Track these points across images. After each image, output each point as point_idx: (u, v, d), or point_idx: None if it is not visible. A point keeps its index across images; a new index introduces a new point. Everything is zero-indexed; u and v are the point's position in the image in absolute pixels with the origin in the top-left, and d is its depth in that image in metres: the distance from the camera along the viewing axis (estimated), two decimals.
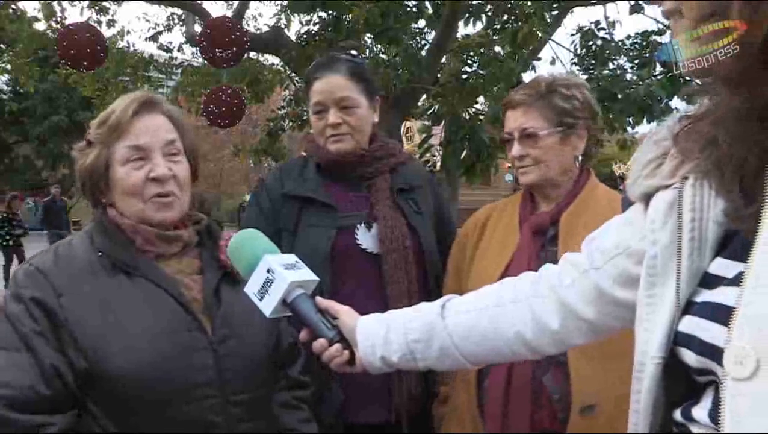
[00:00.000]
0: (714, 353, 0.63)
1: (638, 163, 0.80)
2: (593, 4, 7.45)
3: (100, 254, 1.18)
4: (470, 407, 1.48)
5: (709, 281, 0.68)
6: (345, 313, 1.12)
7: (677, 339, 0.69)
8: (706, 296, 0.67)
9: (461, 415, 1.52)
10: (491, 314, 1.03)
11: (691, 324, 0.68)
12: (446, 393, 1.63)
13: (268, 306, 1.09)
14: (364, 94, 1.68)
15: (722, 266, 0.67)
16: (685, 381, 0.68)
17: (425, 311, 1.10)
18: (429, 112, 5.72)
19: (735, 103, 0.62)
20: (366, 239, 1.62)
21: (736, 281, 0.62)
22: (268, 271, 1.08)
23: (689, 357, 0.67)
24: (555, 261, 1.41)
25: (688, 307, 0.69)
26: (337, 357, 1.09)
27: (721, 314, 0.63)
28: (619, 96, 5.50)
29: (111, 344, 1.10)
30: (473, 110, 5.81)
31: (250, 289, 1.11)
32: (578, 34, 6.95)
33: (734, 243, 0.67)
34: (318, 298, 1.12)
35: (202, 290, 1.23)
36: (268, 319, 1.30)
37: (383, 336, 1.08)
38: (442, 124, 5.59)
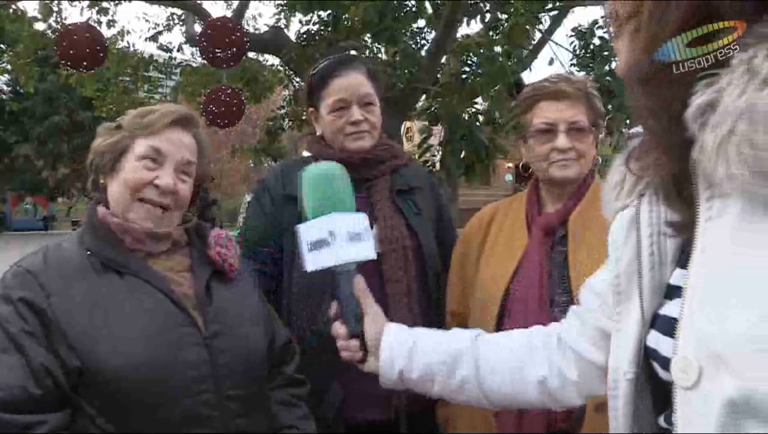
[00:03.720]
0: (669, 365, 0.64)
1: (607, 188, 0.82)
2: (593, 4, 7.45)
3: (88, 253, 1.18)
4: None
5: (671, 292, 0.69)
6: (373, 315, 1.10)
7: (648, 354, 0.70)
8: (666, 309, 0.69)
9: (471, 415, 1.51)
10: (520, 354, 1.02)
11: (654, 339, 0.69)
12: None
13: (312, 263, 1.02)
14: (377, 94, 1.70)
15: (679, 276, 0.68)
16: (668, 392, 0.68)
17: (458, 336, 1.08)
18: (429, 112, 5.73)
19: (649, 105, 0.64)
20: None
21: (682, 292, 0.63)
22: (330, 233, 1.02)
23: (659, 370, 0.68)
24: (565, 262, 1.42)
25: (655, 321, 0.70)
26: (351, 351, 1.08)
27: (669, 327, 0.64)
28: (616, 93, 5.52)
29: (103, 342, 1.09)
30: (472, 110, 5.82)
31: (303, 234, 1.03)
32: (576, 35, 6.97)
33: (687, 252, 0.67)
34: (358, 281, 1.08)
35: (192, 286, 1.24)
36: (259, 315, 1.30)
37: (408, 349, 1.05)
38: (441, 124, 5.60)
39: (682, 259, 0.69)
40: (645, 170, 0.71)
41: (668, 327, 0.65)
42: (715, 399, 0.56)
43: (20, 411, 1.04)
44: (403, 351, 1.05)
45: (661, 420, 0.70)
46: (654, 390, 0.71)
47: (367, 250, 1.07)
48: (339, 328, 1.08)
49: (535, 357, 1.01)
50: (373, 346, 1.08)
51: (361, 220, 1.08)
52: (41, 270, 1.14)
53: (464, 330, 1.11)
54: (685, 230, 0.66)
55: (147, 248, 1.23)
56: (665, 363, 0.65)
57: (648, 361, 0.70)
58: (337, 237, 1.01)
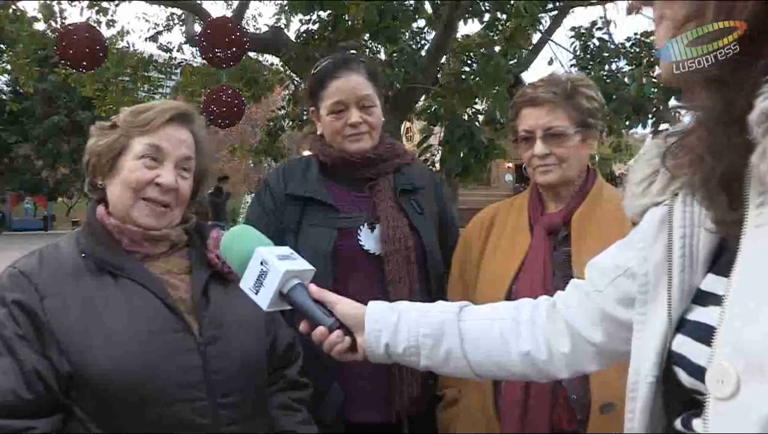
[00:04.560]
0: (700, 373, 0.62)
1: (631, 183, 0.81)
2: (593, 4, 7.45)
3: (83, 255, 1.17)
4: (485, 407, 1.47)
5: (702, 298, 0.67)
6: (340, 302, 1.09)
7: (672, 358, 0.68)
8: (698, 314, 0.67)
9: (474, 416, 1.50)
10: (504, 326, 1.02)
11: (681, 343, 0.67)
12: (453, 396, 1.61)
13: (264, 299, 1.05)
14: (377, 94, 1.69)
15: (713, 283, 0.66)
16: (685, 397, 0.67)
17: (442, 308, 1.08)
18: (429, 112, 5.73)
19: (715, 107, 0.62)
20: (369, 240, 1.62)
21: (721, 299, 0.61)
22: (261, 263, 1.05)
23: (683, 376, 0.66)
24: (568, 261, 1.42)
25: (681, 325, 0.68)
26: (338, 343, 1.05)
27: (705, 334, 0.62)
28: (614, 96, 5.53)
29: (95, 346, 1.08)
30: (472, 110, 5.82)
31: (245, 284, 1.07)
32: (575, 36, 6.97)
33: (724, 258, 0.66)
34: (311, 287, 1.08)
35: (189, 290, 1.22)
36: (260, 319, 1.27)
37: (393, 323, 1.05)
38: (440, 124, 5.60)
39: (718, 265, 0.67)
40: (681, 168, 0.70)
41: (702, 334, 0.63)
42: (753, 412, 0.54)
43: (11, 416, 1.03)
44: (389, 325, 1.05)
45: (678, 424, 0.68)
46: (671, 393, 0.69)
47: (302, 264, 1.09)
48: (317, 332, 1.06)
49: (521, 331, 1.01)
50: (355, 324, 1.07)
51: (286, 248, 1.13)
52: (35, 272, 1.13)
53: (449, 302, 1.11)
54: (727, 230, 0.64)
55: (144, 250, 1.21)
56: (694, 370, 0.63)
57: (668, 365, 0.69)
58: (270, 262, 1.05)
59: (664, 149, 0.72)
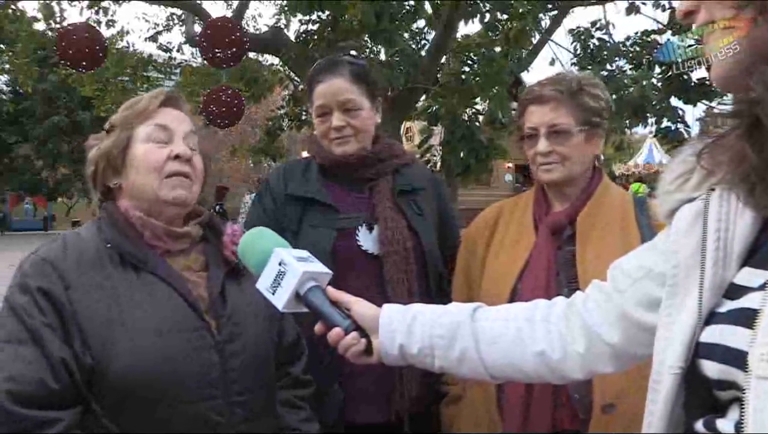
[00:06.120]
0: (737, 359, 0.61)
1: (664, 181, 0.81)
2: (593, 4, 7.45)
3: (108, 245, 1.16)
4: (488, 406, 1.47)
5: (735, 291, 0.67)
6: (357, 303, 1.10)
7: (698, 351, 0.68)
8: (730, 306, 0.66)
9: (477, 414, 1.50)
10: (519, 326, 1.02)
11: (714, 333, 0.66)
12: (456, 393, 1.61)
13: (280, 299, 1.06)
14: (366, 96, 1.68)
15: (748, 276, 0.66)
16: (706, 396, 0.67)
17: (456, 310, 1.08)
18: (429, 112, 5.73)
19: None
20: (367, 240, 1.62)
21: (763, 287, 0.62)
22: (279, 264, 1.06)
23: (711, 368, 0.65)
24: (573, 261, 1.42)
25: (711, 318, 0.68)
26: (353, 345, 1.06)
27: (746, 318, 0.62)
28: (614, 96, 5.53)
29: (117, 341, 1.08)
30: (472, 110, 5.82)
31: (262, 284, 1.08)
32: (574, 36, 6.98)
33: (761, 253, 0.66)
34: (329, 289, 1.10)
35: (207, 287, 1.22)
36: (271, 316, 1.28)
37: (407, 324, 1.05)
38: (440, 124, 5.60)
39: (755, 259, 0.67)
40: (719, 165, 0.70)
41: (744, 318, 0.63)
42: None
43: (36, 405, 1.02)
44: (403, 326, 1.05)
45: (700, 425, 0.68)
46: (692, 389, 0.69)
47: (319, 267, 1.11)
48: (332, 334, 1.06)
49: (534, 331, 1.01)
50: (372, 326, 1.07)
51: (304, 251, 1.14)
52: (60, 260, 1.11)
53: (463, 303, 1.12)
54: None
55: (166, 246, 1.21)
56: (730, 356, 0.63)
57: (692, 359, 0.69)
58: (288, 263, 1.06)
59: (701, 148, 0.73)
